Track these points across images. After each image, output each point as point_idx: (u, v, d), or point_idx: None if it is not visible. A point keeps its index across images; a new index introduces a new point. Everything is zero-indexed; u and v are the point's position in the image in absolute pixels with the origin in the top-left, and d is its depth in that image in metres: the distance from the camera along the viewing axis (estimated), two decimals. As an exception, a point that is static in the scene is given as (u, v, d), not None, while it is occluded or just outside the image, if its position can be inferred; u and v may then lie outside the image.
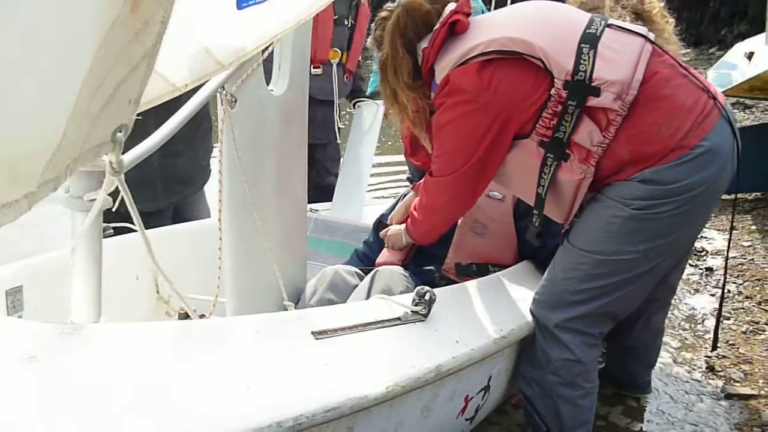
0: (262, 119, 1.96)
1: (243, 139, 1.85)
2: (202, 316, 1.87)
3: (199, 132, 2.69)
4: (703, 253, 4.17)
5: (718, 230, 4.64)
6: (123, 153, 1.42)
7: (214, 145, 2.46)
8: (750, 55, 5.19)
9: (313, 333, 1.47)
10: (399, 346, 1.57)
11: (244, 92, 1.83)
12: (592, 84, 1.76)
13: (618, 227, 1.85)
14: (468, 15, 1.95)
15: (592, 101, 1.77)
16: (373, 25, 2.17)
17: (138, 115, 1.34)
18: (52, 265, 1.93)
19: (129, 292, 2.27)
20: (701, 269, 3.92)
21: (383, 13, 2.09)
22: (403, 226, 2.34)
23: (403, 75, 1.99)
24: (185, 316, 2.21)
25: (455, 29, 1.91)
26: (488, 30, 1.89)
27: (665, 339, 2.74)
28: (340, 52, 3.60)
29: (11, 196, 0.73)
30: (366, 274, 2.23)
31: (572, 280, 1.94)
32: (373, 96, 3.79)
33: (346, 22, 3.59)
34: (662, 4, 2.37)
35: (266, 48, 1.73)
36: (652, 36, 1.89)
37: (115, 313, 1.56)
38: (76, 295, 1.36)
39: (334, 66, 3.59)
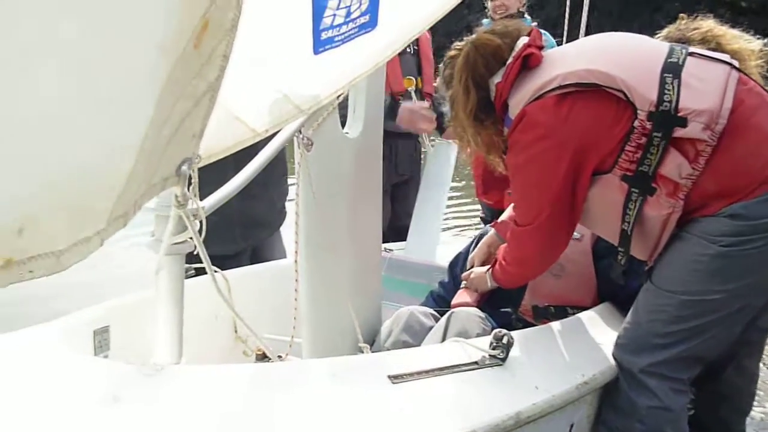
0: (337, 162, 1.99)
1: (319, 181, 1.88)
2: (278, 357, 1.88)
3: (275, 175, 2.75)
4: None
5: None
6: (203, 198, 1.48)
7: (290, 185, 2.51)
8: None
9: (389, 377, 1.46)
10: (476, 392, 1.54)
11: (320, 135, 1.87)
12: (679, 114, 1.70)
13: (705, 266, 1.77)
14: (540, 48, 1.92)
15: (680, 132, 1.70)
16: (441, 65, 2.17)
17: (218, 161, 1.39)
18: (138, 306, 1.99)
19: (208, 331, 2.32)
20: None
21: (452, 52, 2.08)
22: (487, 268, 2.28)
23: (474, 112, 1.97)
24: (262, 356, 2.23)
25: (529, 63, 1.89)
26: (564, 63, 1.85)
27: (761, 387, 2.57)
28: (413, 79, 3.64)
29: (83, 234, 0.74)
30: (441, 315, 2.20)
31: (657, 322, 1.86)
32: None
33: (408, 50, 3.61)
34: (749, 46, 2.21)
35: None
36: (736, 63, 1.83)
37: (195, 351, 1.59)
38: (158, 336, 1.40)
39: (412, 93, 3.62)
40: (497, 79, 1.92)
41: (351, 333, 1.99)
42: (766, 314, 2.11)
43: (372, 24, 1.63)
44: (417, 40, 3.66)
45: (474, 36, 2.01)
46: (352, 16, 1.57)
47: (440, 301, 2.55)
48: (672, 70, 1.75)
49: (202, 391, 1.24)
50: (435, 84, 3.79)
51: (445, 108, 2.17)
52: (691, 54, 1.82)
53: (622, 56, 1.83)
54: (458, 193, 6.94)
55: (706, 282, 1.78)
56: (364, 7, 1.59)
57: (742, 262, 1.75)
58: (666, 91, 1.71)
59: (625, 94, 1.74)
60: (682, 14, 2.23)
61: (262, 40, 1.47)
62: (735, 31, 2.16)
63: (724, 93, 1.72)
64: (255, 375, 1.35)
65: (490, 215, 3.61)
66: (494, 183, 3.93)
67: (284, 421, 1.23)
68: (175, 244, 1.34)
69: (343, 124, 2.08)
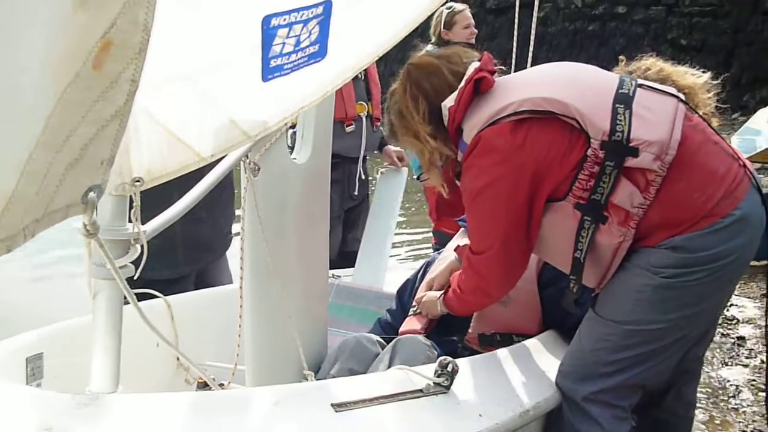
0: (284, 187, 1.98)
1: (265, 207, 1.87)
2: (221, 385, 1.84)
3: (222, 199, 2.72)
4: (733, 322, 4.06)
5: (749, 297, 4.53)
6: (146, 221, 1.46)
7: (237, 211, 2.48)
8: (773, 121, 5.20)
9: (332, 405, 1.44)
10: (420, 420, 1.53)
11: (267, 161, 1.86)
12: (631, 144, 1.73)
13: (648, 296, 1.81)
14: (492, 73, 1.94)
15: (631, 162, 1.73)
16: (385, 101, 2.17)
17: (162, 184, 1.37)
18: (73, 332, 1.93)
19: (149, 359, 2.25)
20: (732, 338, 3.81)
21: (393, 86, 2.09)
22: (440, 294, 2.27)
23: (423, 116, 1.97)
24: (204, 384, 2.18)
25: (480, 87, 1.90)
26: (518, 89, 1.87)
27: (696, 413, 2.64)
28: (364, 104, 3.68)
29: None
30: (388, 342, 2.20)
31: (601, 351, 1.88)
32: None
33: (359, 75, 3.66)
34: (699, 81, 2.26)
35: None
36: (682, 96, 1.88)
37: (135, 380, 1.55)
38: (94, 363, 1.35)
39: (364, 119, 3.66)
40: (449, 102, 1.92)
41: (295, 360, 1.96)
42: (702, 344, 2.18)
43: (321, 53, 1.64)
44: None
45: (410, 60, 2.05)
46: (302, 45, 1.58)
47: (388, 328, 2.54)
48: (623, 100, 1.80)
49: (138, 421, 1.20)
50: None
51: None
52: (641, 86, 1.86)
53: (576, 86, 1.86)
54: (408, 220, 6.98)
55: (649, 312, 1.82)
56: (313, 37, 1.59)
57: (683, 293, 1.79)
58: (618, 121, 1.75)
59: (578, 123, 1.77)
60: (621, 56, 2.30)
61: (210, 66, 1.47)
62: (682, 67, 2.25)
63: (673, 125, 1.77)
64: (194, 403, 1.32)
65: (441, 244, 3.63)
66: (448, 209, 3.99)
67: (223, 451, 1.20)
68: (117, 267, 1.30)
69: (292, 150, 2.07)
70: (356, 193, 3.73)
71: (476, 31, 4.32)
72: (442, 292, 2.26)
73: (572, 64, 2.03)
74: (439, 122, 1.96)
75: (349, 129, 3.56)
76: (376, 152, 3.88)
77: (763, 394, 3.07)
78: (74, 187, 0.91)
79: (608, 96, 1.81)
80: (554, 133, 1.79)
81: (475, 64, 1.94)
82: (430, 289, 2.40)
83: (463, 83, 1.91)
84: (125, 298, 1.43)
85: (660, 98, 1.85)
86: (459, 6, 4.27)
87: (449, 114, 1.92)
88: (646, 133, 1.74)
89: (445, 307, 2.24)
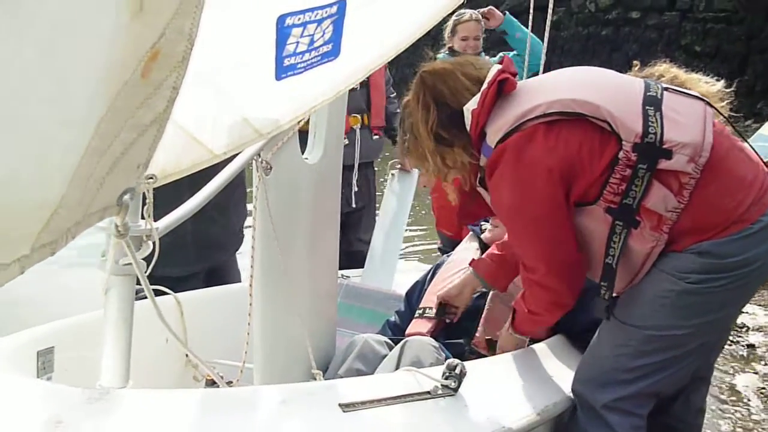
0: (296, 187, 1.99)
1: (276, 206, 1.87)
2: (229, 383, 1.85)
3: (234, 199, 2.73)
4: (744, 329, 4.03)
5: (760, 305, 4.49)
6: (158, 219, 1.46)
7: (248, 206, 2.49)
8: (787, 128, 5.16)
9: (340, 405, 1.44)
10: (427, 421, 1.53)
11: (279, 160, 1.86)
12: (664, 146, 1.69)
13: (671, 302, 1.77)
14: (514, 75, 1.89)
15: (664, 164, 1.69)
16: (401, 115, 2.07)
17: (173, 182, 1.38)
18: (84, 327, 1.94)
19: (158, 355, 2.26)
20: (743, 346, 3.79)
21: (406, 98, 2.01)
22: (507, 327, 2.13)
23: (435, 130, 1.89)
24: (212, 381, 2.19)
25: (504, 89, 1.84)
26: (542, 91, 1.83)
27: (706, 421, 2.62)
28: (359, 116, 3.67)
29: (1, 259, 0.71)
30: (396, 344, 2.20)
31: (622, 357, 1.85)
32: None
33: (355, 86, 3.66)
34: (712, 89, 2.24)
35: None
36: (708, 100, 1.86)
37: (145, 375, 1.55)
38: (105, 358, 1.36)
39: (357, 131, 3.65)
40: (472, 105, 1.84)
41: (304, 359, 1.97)
42: (716, 350, 2.16)
43: (334, 53, 1.65)
44: None
45: (422, 68, 1.97)
46: (315, 45, 1.58)
47: (396, 330, 2.54)
48: (652, 103, 1.76)
49: (146, 416, 1.21)
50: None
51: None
52: (666, 89, 1.83)
53: (605, 88, 1.82)
54: (417, 221, 6.98)
55: (672, 317, 1.79)
56: (327, 36, 1.60)
57: (708, 299, 1.77)
58: (650, 123, 1.71)
59: (609, 125, 1.73)
60: (635, 61, 2.28)
61: (225, 64, 1.47)
62: (696, 75, 2.23)
63: (705, 127, 1.74)
64: (202, 400, 1.32)
65: (449, 246, 3.64)
66: (453, 214, 3.99)
67: (231, 448, 1.21)
68: (126, 264, 1.31)
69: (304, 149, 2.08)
70: (353, 201, 3.73)
71: (477, 44, 4.10)
72: (509, 324, 2.12)
73: (595, 68, 1.99)
74: (460, 127, 1.89)
75: None
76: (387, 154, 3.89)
77: (773, 402, 3.05)
78: (112, 190, 0.93)
79: (637, 98, 1.77)
80: (585, 135, 1.74)
81: (496, 67, 1.89)
82: (445, 305, 2.35)
83: (485, 85, 1.84)
84: (136, 294, 1.45)
85: (688, 101, 1.82)
86: (467, 15, 4.10)
87: (472, 117, 1.84)
88: (679, 135, 1.71)
89: (521, 335, 2.13)
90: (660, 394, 1.93)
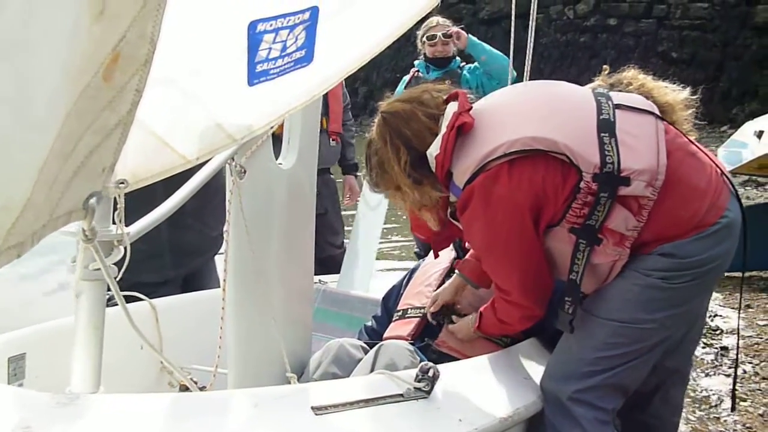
0: (270, 192, 1.99)
1: (251, 210, 1.88)
2: (202, 388, 1.85)
3: (212, 205, 2.73)
4: (717, 332, 4.09)
5: (733, 308, 4.56)
6: (130, 224, 1.46)
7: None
8: (760, 134, 5.25)
9: (312, 408, 1.45)
10: (399, 424, 1.54)
11: (253, 164, 1.87)
12: (622, 174, 1.77)
13: (636, 295, 1.85)
14: (469, 110, 1.94)
15: (623, 191, 1.77)
16: (366, 153, 2.11)
17: (146, 187, 1.38)
18: (56, 333, 1.93)
19: (133, 361, 2.26)
20: (715, 348, 3.84)
21: (370, 135, 2.06)
22: (471, 320, 2.19)
23: (407, 169, 1.96)
24: (186, 387, 2.18)
25: (463, 131, 1.89)
26: (501, 127, 1.88)
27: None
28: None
29: None
30: (371, 348, 2.21)
31: (587, 348, 1.92)
32: None
33: None
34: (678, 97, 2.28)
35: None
36: (656, 110, 1.92)
37: (119, 381, 1.55)
38: (75, 363, 1.36)
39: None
40: (435, 150, 1.91)
41: (279, 363, 1.97)
42: (690, 343, 2.21)
43: (307, 59, 1.66)
44: None
45: (382, 108, 2.03)
46: (288, 51, 1.59)
47: (373, 335, 2.54)
48: (606, 128, 1.83)
49: (116, 421, 1.21)
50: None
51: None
52: (618, 107, 1.89)
53: (557, 117, 1.89)
54: (393, 227, 6.99)
55: (638, 310, 1.86)
56: (300, 43, 1.61)
57: (671, 294, 1.85)
58: (607, 153, 1.79)
59: (568, 158, 1.80)
60: (605, 65, 2.32)
61: (197, 70, 1.48)
62: (663, 83, 2.27)
63: (658, 148, 1.82)
64: (173, 405, 1.33)
65: (424, 249, 3.67)
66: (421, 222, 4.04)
67: (201, 452, 1.21)
68: (96, 269, 1.31)
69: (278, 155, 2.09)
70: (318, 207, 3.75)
71: (446, 48, 4.18)
72: (475, 321, 2.17)
73: (545, 89, 2.06)
74: (425, 168, 1.95)
75: None
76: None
77: (745, 403, 3.10)
78: (77, 194, 0.94)
79: (591, 125, 1.84)
80: (546, 169, 1.81)
81: (452, 107, 1.93)
82: (449, 307, 2.33)
83: (445, 130, 1.90)
84: (108, 299, 1.44)
85: (639, 119, 1.88)
86: (434, 21, 4.18)
87: (437, 162, 1.91)
88: (635, 162, 1.78)
89: (485, 335, 2.20)
90: (626, 388, 1.97)
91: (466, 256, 2.38)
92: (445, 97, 2.00)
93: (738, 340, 2.39)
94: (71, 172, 0.87)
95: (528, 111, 1.95)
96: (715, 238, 1.83)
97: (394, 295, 2.64)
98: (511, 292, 1.96)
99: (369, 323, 2.62)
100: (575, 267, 1.85)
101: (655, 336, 1.90)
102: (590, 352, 1.91)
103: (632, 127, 1.85)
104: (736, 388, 3.30)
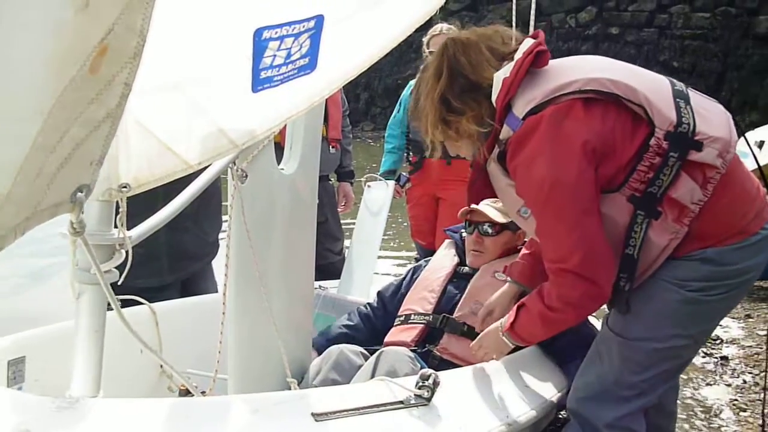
0: (272, 197, 1.99)
1: (252, 215, 1.88)
2: (203, 393, 1.84)
3: (210, 208, 2.73)
4: (717, 342, 4.08)
5: (733, 318, 4.55)
6: (131, 228, 1.46)
7: (224, 220, 2.49)
8: (761, 144, 5.26)
9: (313, 415, 1.45)
10: (399, 431, 1.54)
11: (254, 169, 1.87)
12: (696, 138, 1.69)
13: (672, 312, 1.78)
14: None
15: (694, 156, 1.68)
16: (418, 78, 2.04)
17: (147, 191, 1.38)
18: (56, 336, 1.93)
19: (133, 365, 2.25)
20: (716, 358, 3.83)
21: (427, 61, 1.97)
22: (497, 326, 2.00)
23: (442, 96, 1.83)
24: (186, 392, 2.18)
25: (539, 61, 1.77)
26: (580, 70, 1.78)
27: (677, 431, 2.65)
28: None
29: None
30: (372, 354, 2.21)
31: (625, 372, 1.83)
32: (385, 175, 3.90)
33: None
34: None
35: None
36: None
37: (119, 385, 1.55)
38: (76, 368, 1.36)
39: None
40: (503, 74, 1.77)
41: (279, 370, 1.97)
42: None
43: (311, 66, 1.66)
44: None
45: (449, 36, 1.93)
46: (292, 58, 1.60)
47: (365, 320, 2.62)
48: (681, 96, 1.77)
49: (115, 425, 1.21)
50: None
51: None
52: (688, 88, 1.84)
53: (638, 74, 1.81)
54: (394, 233, 6.99)
55: (673, 327, 1.79)
56: (304, 50, 1.62)
57: (705, 308, 1.79)
58: (683, 114, 1.71)
59: (645, 111, 1.70)
60: None
61: (201, 76, 1.48)
62: None
63: (730, 127, 1.76)
64: (173, 410, 1.32)
65: (424, 256, 3.67)
66: (427, 224, 4.06)
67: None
68: (107, 271, 1.31)
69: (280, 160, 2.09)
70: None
71: None
72: (505, 324, 1.95)
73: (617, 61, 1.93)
74: (474, 97, 1.82)
75: None
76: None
77: (745, 413, 3.09)
78: (64, 187, 0.92)
79: (667, 89, 1.77)
80: (619, 117, 1.72)
81: (529, 41, 1.82)
82: (493, 317, 2.15)
83: (521, 54, 1.77)
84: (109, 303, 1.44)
85: (711, 103, 1.84)
86: (438, 29, 3.91)
87: (503, 86, 1.76)
88: (710, 129, 1.71)
89: (515, 339, 1.96)
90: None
91: (517, 258, 2.22)
92: (514, 41, 1.87)
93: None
94: (57, 165, 0.86)
95: (606, 63, 1.85)
96: (755, 249, 1.77)
97: (391, 290, 2.71)
98: (569, 257, 1.72)
99: (363, 308, 2.69)
100: (632, 241, 1.72)
101: (690, 352, 1.84)
102: (629, 376, 1.83)
103: (705, 104, 1.80)
104: (737, 398, 3.30)
